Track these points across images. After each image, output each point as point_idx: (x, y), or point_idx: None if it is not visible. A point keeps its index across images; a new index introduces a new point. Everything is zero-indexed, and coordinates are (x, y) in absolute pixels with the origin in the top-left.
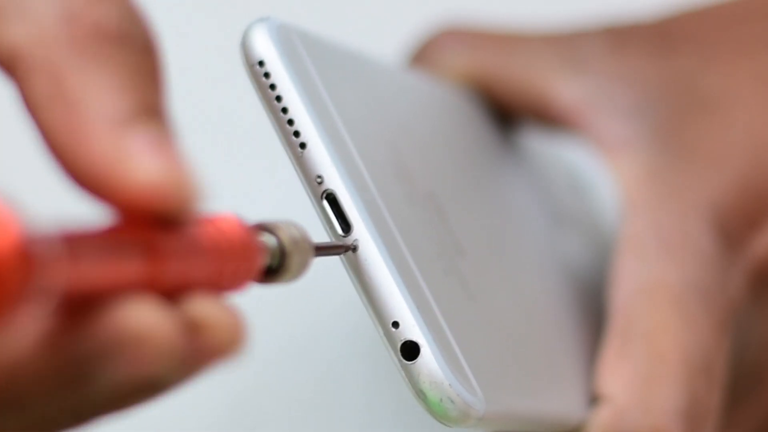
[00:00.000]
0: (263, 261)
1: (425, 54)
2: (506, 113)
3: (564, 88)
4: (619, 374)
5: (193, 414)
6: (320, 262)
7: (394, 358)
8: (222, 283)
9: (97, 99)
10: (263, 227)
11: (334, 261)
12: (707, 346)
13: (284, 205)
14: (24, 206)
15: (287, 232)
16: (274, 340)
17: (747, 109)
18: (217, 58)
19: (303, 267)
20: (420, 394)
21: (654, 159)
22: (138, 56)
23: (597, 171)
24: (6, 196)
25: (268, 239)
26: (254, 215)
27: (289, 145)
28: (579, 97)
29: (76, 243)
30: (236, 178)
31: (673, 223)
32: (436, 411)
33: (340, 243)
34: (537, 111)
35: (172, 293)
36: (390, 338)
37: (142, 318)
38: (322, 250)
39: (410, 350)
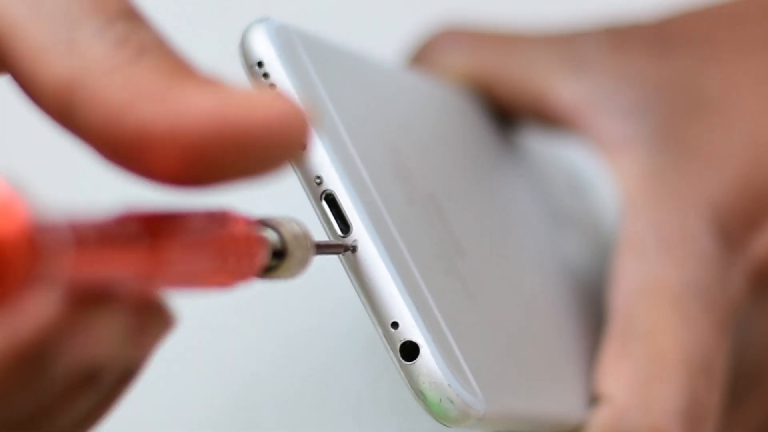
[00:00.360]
0: (265, 256)
1: (425, 54)
2: (506, 113)
3: (564, 88)
4: (618, 374)
5: (191, 412)
6: (320, 262)
7: (393, 359)
8: (223, 277)
9: (172, 85)
10: (265, 223)
11: (334, 261)
12: (707, 346)
13: (283, 206)
14: (33, 192)
15: (289, 229)
16: (273, 340)
17: (747, 109)
18: (217, 58)
19: (303, 264)
20: (419, 395)
21: (654, 159)
22: (172, 56)
23: (597, 171)
24: (15, 180)
25: (269, 235)
26: (254, 214)
27: None
28: (579, 97)
29: (79, 231)
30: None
31: (673, 223)
32: (435, 411)
33: (340, 242)
34: (537, 111)
35: (169, 286)
36: (389, 339)
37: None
38: (323, 248)
39: (410, 351)
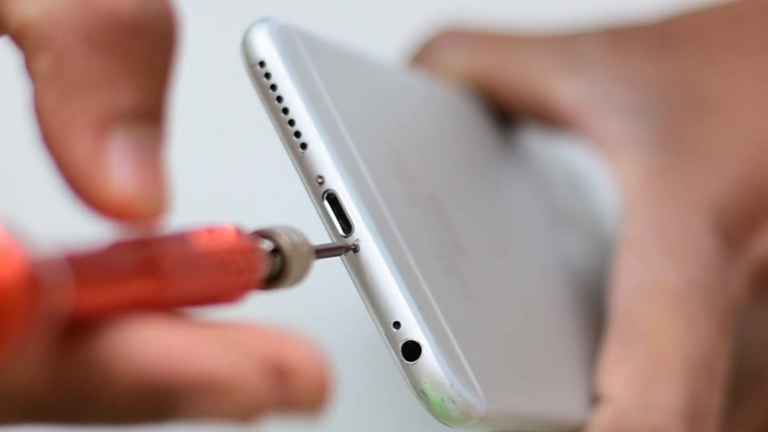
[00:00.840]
0: (265, 267)
1: (425, 54)
2: (506, 113)
3: (564, 88)
4: (619, 374)
5: None
6: (321, 263)
7: (395, 359)
8: (225, 295)
9: (91, 90)
10: (262, 234)
11: (335, 261)
12: (708, 346)
13: (285, 206)
14: (25, 230)
15: (286, 238)
16: None
17: (747, 110)
18: (218, 58)
19: (304, 271)
20: (421, 395)
21: (654, 159)
22: (149, 49)
23: (597, 171)
24: (7, 222)
25: (267, 246)
26: (254, 216)
27: (290, 145)
28: (579, 97)
29: (79, 264)
30: (237, 178)
31: (674, 223)
32: (437, 411)
33: (340, 244)
34: (537, 111)
35: (174, 308)
36: (391, 338)
37: (220, 362)
38: (323, 252)
39: (411, 350)
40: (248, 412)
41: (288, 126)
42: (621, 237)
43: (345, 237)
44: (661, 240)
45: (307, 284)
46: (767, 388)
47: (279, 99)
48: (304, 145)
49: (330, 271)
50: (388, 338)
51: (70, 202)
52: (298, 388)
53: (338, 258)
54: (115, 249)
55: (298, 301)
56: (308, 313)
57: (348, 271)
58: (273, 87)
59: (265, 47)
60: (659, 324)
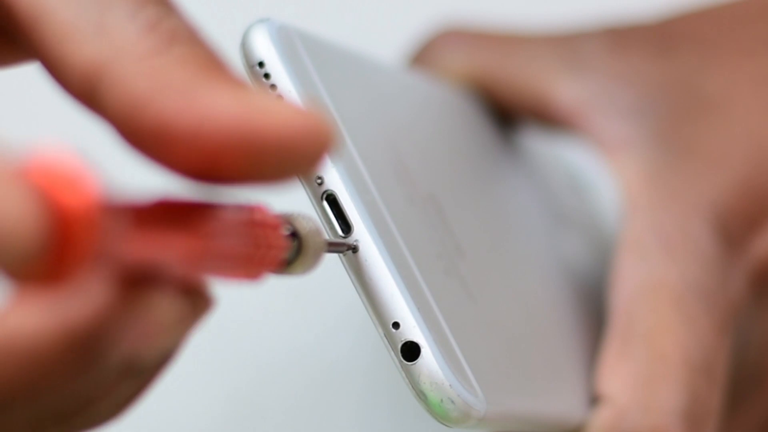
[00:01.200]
0: (288, 250)
1: (425, 54)
2: (506, 114)
3: (564, 88)
4: (619, 374)
5: (194, 415)
6: (324, 264)
7: (394, 359)
8: (251, 266)
9: (199, 82)
10: (285, 219)
11: (336, 262)
12: (708, 346)
13: (284, 207)
14: (100, 170)
15: (305, 225)
16: (275, 341)
17: (747, 110)
18: None
19: (316, 260)
20: (421, 395)
21: (654, 159)
22: (203, 48)
23: (597, 171)
24: (85, 156)
25: (287, 229)
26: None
27: None
28: (579, 97)
29: (136, 213)
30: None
31: (674, 224)
32: (436, 412)
33: (345, 240)
34: (537, 111)
35: (209, 272)
36: (390, 339)
37: (171, 311)
38: (331, 245)
39: (411, 351)
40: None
41: None
42: (621, 237)
43: (344, 238)
44: (661, 240)
45: (307, 284)
46: (767, 388)
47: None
48: None
49: (331, 271)
50: (387, 339)
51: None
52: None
53: (338, 258)
54: (160, 206)
55: (299, 304)
56: (308, 314)
57: (347, 271)
58: (272, 87)
59: (264, 48)
60: (659, 324)
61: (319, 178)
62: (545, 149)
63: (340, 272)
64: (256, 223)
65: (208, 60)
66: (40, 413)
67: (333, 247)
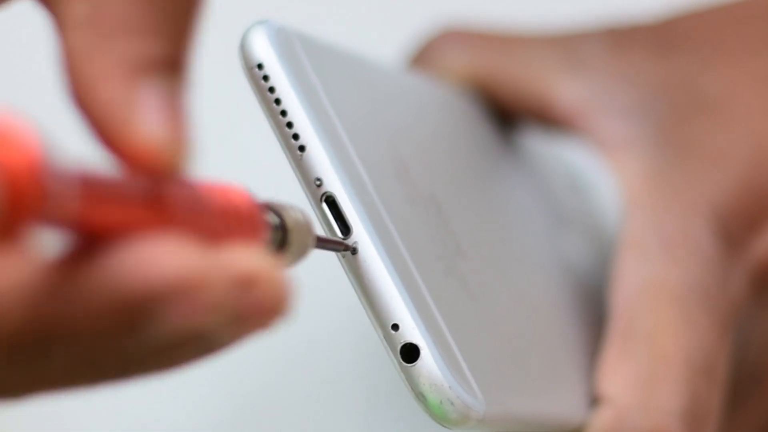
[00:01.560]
0: (264, 236)
1: (425, 55)
2: (507, 114)
3: (564, 88)
4: (620, 375)
5: (195, 417)
6: (323, 265)
7: (393, 361)
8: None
9: (127, 36)
10: (270, 206)
11: (336, 264)
12: (708, 346)
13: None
14: (46, 134)
15: (292, 215)
16: (275, 343)
17: (747, 110)
18: (216, 60)
19: (302, 253)
20: (420, 397)
21: (654, 159)
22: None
23: (597, 171)
24: (31, 119)
25: (272, 219)
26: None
27: (287, 147)
28: (579, 97)
29: (91, 178)
30: (235, 180)
31: (674, 224)
32: (436, 413)
33: (341, 240)
34: (537, 112)
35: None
36: (390, 341)
37: (186, 259)
38: (324, 242)
39: (410, 352)
40: (213, 312)
41: (286, 128)
42: (621, 237)
43: (343, 239)
44: (661, 240)
45: (307, 285)
46: (767, 388)
47: (277, 101)
48: (302, 148)
49: (331, 273)
50: (386, 340)
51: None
52: (260, 295)
53: (337, 259)
54: (126, 178)
55: (301, 303)
56: (309, 315)
57: (346, 273)
58: (271, 89)
59: (264, 49)
60: (659, 324)
61: (318, 179)
62: (546, 149)
63: (339, 273)
64: (230, 205)
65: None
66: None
67: (326, 244)
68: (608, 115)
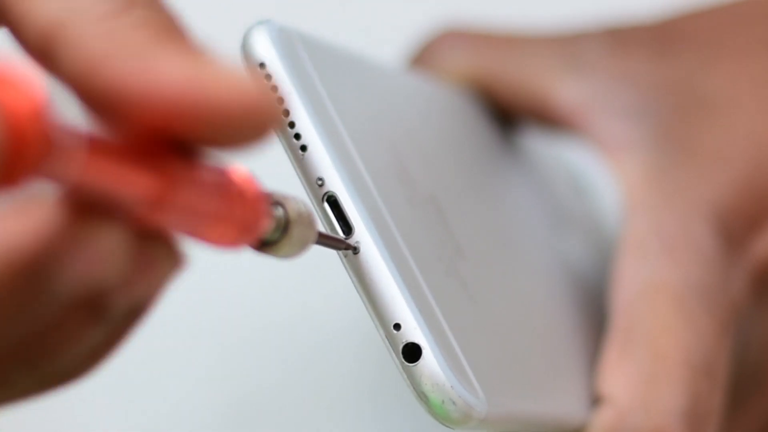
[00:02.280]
0: (266, 225)
1: (426, 56)
2: (507, 115)
3: (565, 89)
4: (620, 375)
5: (194, 416)
6: (324, 264)
7: (395, 360)
8: (225, 228)
9: (152, 46)
10: (273, 197)
11: (337, 264)
12: (709, 346)
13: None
14: (53, 94)
15: (294, 207)
16: (278, 342)
17: (747, 111)
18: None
19: (302, 245)
20: (422, 396)
21: (655, 160)
22: (161, 13)
23: (598, 172)
24: (44, 81)
25: (275, 209)
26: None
27: (289, 147)
28: (580, 98)
29: (95, 143)
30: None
31: (675, 224)
32: (437, 413)
33: (343, 238)
34: (538, 112)
35: (176, 223)
36: (391, 340)
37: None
38: (325, 239)
39: (412, 352)
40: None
41: (288, 128)
42: (622, 238)
43: (345, 239)
44: (662, 241)
45: (306, 285)
46: (767, 389)
47: (279, 101)
48: (304, 147)
49: (331, 273)
50: (388, 340)
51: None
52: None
53: (338, 259)
54: (132, 146)
55: (299, 305)
56: (309, 316)
57: (348, 272)
58: (273, 89)
59: (265, 49)
60: (660, 325)
61: (320, 179)
62: (546, 150)
63: (340, 273)
64: (234, 185)
65: (166, 24)
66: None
67: (328, 241)
68: (608, 116)
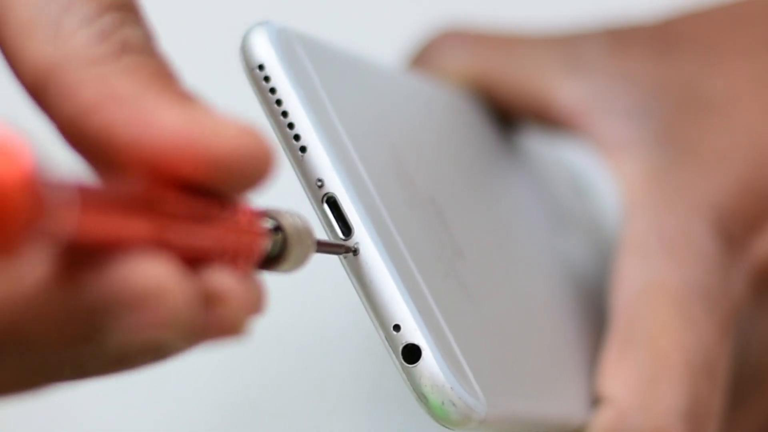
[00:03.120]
0: (265, 245)
1: (426, 56)
2: (507, 115)
3: (565, 89)
4: (621, 375)
5: (197, 416)
6: (324, 265)
7: (395, 362)
8: (221, 259)
9: (146, 94)
10: (268, 214)
11: (336, 264)
12: (709, 347)
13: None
14: (42, 148)
15: (291, 222)
16: (277, 344)
17: (747, 111)
18: (217, 61)
19: (303, 258)
20: (421, 397)
21: (655, 160)
22: (155, 60)
23: (598, 172)
24: (21, 130)
25: (271, 224)
26: (259, 205)
27: (289, 148)
28: (580, 98)
29: (87, 192)
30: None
31: (675, 225)
32: (437, 414)
33: (341, 242)
34: (538, 113)
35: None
36: (391, 341)
37: (159, 275)
38: (324, 246)
39: (411, 353)
40: (172, 324)
41: (287, 129)
42: (622, 238)
43: (344, 240)
44: (662, 241)
45: (306, 285)
46: None
47: (278, 102)
48: (303, 149)
49: (331, 273)
50: (388, 341)
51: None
52: (222, 314)
53: (339, 259)
54: (120, 188)
55: (299, 305)
56: (308, 316)
57: (347, 273)
58: (272, 90)
59: (264, 50)
60: (660, 325)
61: (320, 180)
62: (546, 151)
63: (340, 273)
64: (229, 215)
65: (158, 71)
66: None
67: (327, 247)
68: (609, 116)
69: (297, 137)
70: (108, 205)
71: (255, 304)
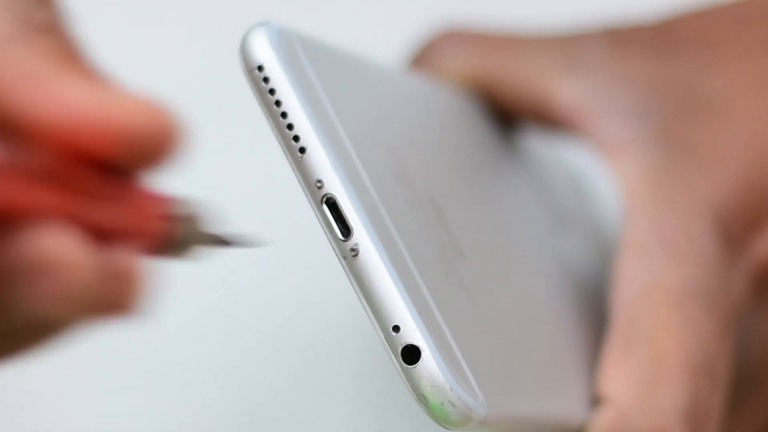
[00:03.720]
0: (162, 229)
1: (425, 56)
2: (507, 115)
3: (565, 89)
4: (621, 376)
5: (196, 416)
6: (324, 265)
7: (394, 362)
8: (122, 238)
9: (52, 72)
10: (172, 200)
11: (337, 265)
12: (710, 347)
13: (283, 210)
14: None
15: (191, 211)
16: (277, 344)
17: (747, 111)
18: (216, 62)
19: (196, 248)
20: (421, 398)
21: (655, 160)
22: (62, 39)
23: (598, 173)
24: None
25: (172, 212)
26: (253, 219)
27: (288, 149)
28: (580, 98)
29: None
30: (234, 182)
31: (675, 225)
32: (437, 415)
33: (341, 239)
34: (538, 113)
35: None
36: (390, 342)
37: (61, 247)
38: (221, 240)
39: (411, 354)
40: (70, 296)
41: (286, 130)
42: (622, 238)
43: (344, 241)
44: (662, 241)
45: (305, 285)
46: None
47: (277, 103)
48: (302, 149)
49: (330, 273)
50: (387, 342)
51: None
52: (118, 290)
53: (338, 260)
54: (28, 160)
55: (297, 302)
56: (308, 316)
57: (347, 274)
58: (271, 91)
59: (264, 51)
60: (660, 325)
61: (319, 181)
62: (546, 151)
63: (339, 274)
64: (131, 195)
65: (67, 51)
66: None
67: (225, 242)
68: (608, 116)
69: (296, 138)
70: (14, 176)
71: (147, 285)
